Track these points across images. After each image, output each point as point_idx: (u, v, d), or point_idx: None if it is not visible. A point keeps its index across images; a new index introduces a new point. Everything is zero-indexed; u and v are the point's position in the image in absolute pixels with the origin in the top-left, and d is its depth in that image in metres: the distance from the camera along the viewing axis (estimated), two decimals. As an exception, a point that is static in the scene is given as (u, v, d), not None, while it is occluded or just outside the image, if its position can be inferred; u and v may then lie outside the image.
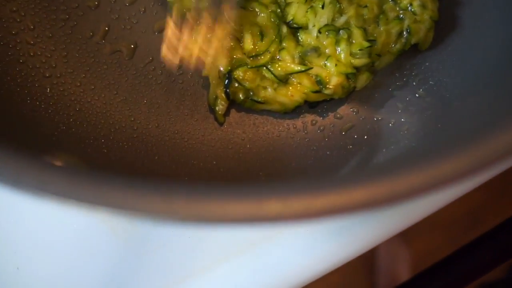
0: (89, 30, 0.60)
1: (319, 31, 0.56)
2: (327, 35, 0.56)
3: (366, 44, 0.55)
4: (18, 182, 0.33)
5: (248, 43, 0.56)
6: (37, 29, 0.60)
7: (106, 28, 0.60)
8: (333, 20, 0.56)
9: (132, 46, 0.60)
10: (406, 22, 0.58)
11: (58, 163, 0.40)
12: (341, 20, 0.56)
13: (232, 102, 0.57)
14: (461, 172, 0.35)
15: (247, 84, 0.55)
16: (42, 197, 0.34)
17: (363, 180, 0.34)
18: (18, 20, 0.60)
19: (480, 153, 0.37)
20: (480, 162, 0.36)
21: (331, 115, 0.57)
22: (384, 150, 0.53)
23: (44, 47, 0.59)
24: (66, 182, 0.32)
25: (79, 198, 0.31)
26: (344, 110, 0.57)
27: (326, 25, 0.56)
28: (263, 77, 0.55)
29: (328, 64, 0.55)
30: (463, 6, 0.61)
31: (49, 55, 0.59)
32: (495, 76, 0.52)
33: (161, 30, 0.60)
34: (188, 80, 0.58)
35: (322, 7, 0.56)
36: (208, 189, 0.34)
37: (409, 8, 0.58)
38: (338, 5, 0.55)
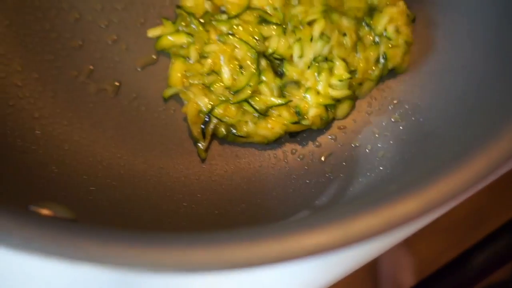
0: (74, 69, 0.62)
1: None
2: (310, 66, 0.57)
3: (347, 75, 0.56)
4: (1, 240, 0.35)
5: (228, 77, 0.58)
6: (25, 71, 0.62)
7: (91, 67, 0.62)
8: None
9: (117, 83, 0.62)
10: (382, 48, 0.60)
11: (45, 212, 0.43)
12: (325, 51, 0.57)
13: (214, 135, 0.59)
14: (424, 208, 0.37)
15: (228, 120, 0.57)
16: (28, 253, 0.36)
17: (335, 219, 0.36)
18: (6, 63, 0.62)
19: (450, 183, 0.38)
20: (450, 191, 0.38)
21: (310, 143, 0.59)
22: (360, 178, 0.54)
23: (32, 88, 0.62)
24: (50, 238, 0.34)
25: (63, 255, 0.33)
26: (323, 138, 0.59)
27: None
28: (244, 112, 0.57)
29: (308, 96, 0.57)
30: (436, 28, 0.62)
31: (37, 96, 0.61)
32: (467, 101, 0.53)
33: (144, 67, 0.62)
34: (172, 115, 0.60)
35: (311, 40, 0.57)
36: (198, 238, 0.36)
37: (384, 33, 0.60)
38: (326, 37, 0.57)
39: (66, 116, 0.61)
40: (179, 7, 0.62)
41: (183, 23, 0.61)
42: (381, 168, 0.54)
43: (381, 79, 0.61)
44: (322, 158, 0.58)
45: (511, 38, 0.56)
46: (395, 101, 0.60)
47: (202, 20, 0.60)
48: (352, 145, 0.58)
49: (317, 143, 0.59)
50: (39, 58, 0.63)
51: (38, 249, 0.35)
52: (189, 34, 0.60)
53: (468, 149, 0.40)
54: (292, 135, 0.59)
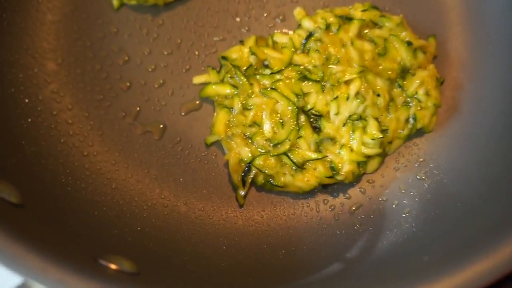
0: (121, 110, 0.66)
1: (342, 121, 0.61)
2: (345, 123, 0.62)
3: (379, 134, 0.61)
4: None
5: (269, 130, 0.62)
6: (75, 109, 0.66)
7: (138, 109, 0.66)
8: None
9: (161, 126, 0.66)
10: (413, 109, 0.64)
11: (113, 266, 0.47)
12: (359, 110, 0.62)
13: (253, 182, 0.63)
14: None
15: (267, 171, 0.61)
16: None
17: None
18: (58, 100, 0.66)
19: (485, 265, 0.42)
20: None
21: (341, 194, 0.63)
22: (387, 232, 0.59)
23: (82, 126, 0.66)
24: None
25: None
26: (353, 190, 0.63)
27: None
28: (283, 164, 0.61)
29: (342, 152, 0.61)
30: (463, 91, 0.67)
31: (86, 134, 0.65)
32: (491, 170, 0.58)
33: (188, 112, 0.66)
34: (213, 160, 0.65)
35: (347, 99, 0.61)
36: None
37: (415, 96, 0.64)
38: (361, 97, 0.61)
39: (113, 155, 0.65)
40: (224, 57, 0.66)
41: (227, 74, 0.65)
42: (407, 225, 0.59)
43: (408, 137, 0.65)
44: (352, 209, 0.62)
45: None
46: (421, 159, 0.64)
47: (246, 73, 0.64)
48: (380, 199, 0.63)
49: (347, 195, 0.63)
50: (89, 97, 0.67)
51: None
52: (233, 85, 0.64)
53: (499, 226, 0.44)
54: (324, 186, 0.63)
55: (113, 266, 0.46)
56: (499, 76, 0.65)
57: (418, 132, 0.65)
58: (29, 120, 0.64)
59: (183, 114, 0.66)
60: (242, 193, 0.62)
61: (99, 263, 0.46)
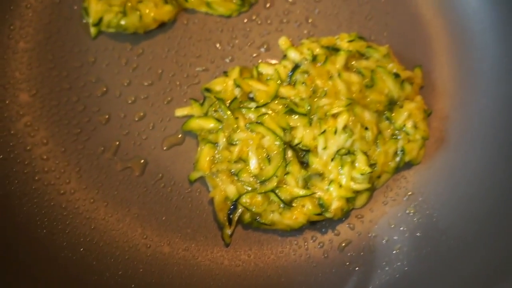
0: (100, 145, 0.63)
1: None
2: (334, 158, 0.60)
3: (368, 169, 0.59)
4: None
5: (256, 167, 0.60)
6: (50, 143, 0.63)
7: (117, 143, 0.63)
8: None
9: (142, 161, 0.63)
10: (401, 143, 0.63)
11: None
12: (347, 144, 0.60)
13: (239, 220, 0.61)
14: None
15: (254, 209, 0.59)
16: None
17: None
18: (32, 134, 0.63)
19: None
20: None
21: (329, 231, 0.62)
22: (379, 270, 0.58)
23: (58, 162, 0.62)
24: None
25: None
26: (342, 226, 0.62)
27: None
28: (270, 202, 0.59)
29: (331, 188, 0.60)
30: (450, 121, 0.66)
31: (62, 171, 0.62)
32: (482, 205, 0.57)
33: (170, 147, 0.64)
34: (197, 197, 0.62)
35: (335, 132, 0.60)
36: None
37: (403, 128, 0.63)
38: (349, 131, 0.60)
39: (92, 192, 0.61)
40: (207, 89, 0.64)
41: (211, 108, 0.62)
42: (398, 263, 0.58)
43: (396, 170, 0.64)
44: (342, 245, 0.61)
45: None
46: (409, 193, 0.63)
47: (230, 106, 0.62)
48: (369, 235, 0.61)
49: (336, 231, 0.62)
50: (65, 130, 0.63)
51: None
52: (217, 119, 0.62)
53: (497, 269, 0.43)
54: (312, 223, 0.61)
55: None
56: (484, 106, 0.65)
57: (406, 165, 0.64)
58: (0, 156, 0.61)
59: (165, 148, 0.64)
60: (228, 232, 0.60)
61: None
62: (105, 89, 0.65)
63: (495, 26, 0.67)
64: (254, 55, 0.67)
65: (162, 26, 0.68)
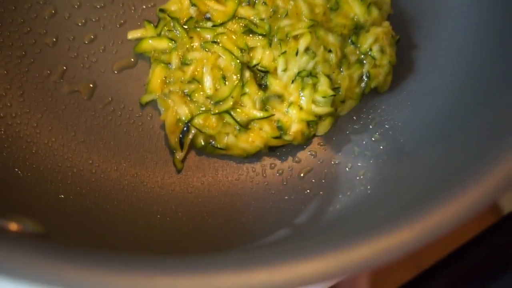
0: (46, 68, 0.59)
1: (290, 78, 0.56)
2: (294, 80, 0.56)
3: (330, 92, 0.56)
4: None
5: (210, 86, 0.56)
6: (-9, 66, 0.59)
7: (64, 67, 0.59)
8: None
9: (91, 85, 0.59)
10: (366, 67, 0.59)
11: (14, 227, 0.40)
12: (309, 66, 0.57)
13: (192, 145, 0.57)
14: (421, 237, 0.36)
15: (208, 131, 0.55)
16: None
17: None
18: (-29, 56, 0.59)
19: (447, 211, 0.37)
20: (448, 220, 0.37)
21: (290, 158, 0.58)
22: (340, 196, 0.54)
23: (-1, 85, 0.58)
24: (17, 259, 0.31)
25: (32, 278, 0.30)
26: (303, 153, 0.58)
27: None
28: (225, 123, 0.56)
29: (291, 111, 0.56)
30: (418, 50, 0.63)
31: (3, 94, 0.58)
32: (447, 126, 0.54)
33: (121, 70, 0.60)
34: (148, 122, 0.58)
35: (296, 54, 0.56)
36: (183, 263, 0.34)
37: (369, 52, 0.60)
38: (311, 53, 0.56)
39: (35, 117, 0.57)
40: (162, 10, 0.60)
41: (165, 28, 0.59)
42: (361, 188, 0.54)
43: (362, 97, 0.61)
44: (302, 174, 0.57)
45: (488, 65, 0.57)
46: (375, 120, 0.60)
47: (185, 26, 0.58)
48: (332, 162, 0.58)
49: (296, 159, 0.58)
50: (8, 52, 0.59)
51: (4, 272, 0.32)
52: (171, 39, 0.58)
53: (456, 177, 0.40)
54: (271, 149, 0.58)
55: (13, 226, 0.38)
56: (454, 35, 0.61)
57: (373, 94, 0.61)
58: None
59: (115, 72, 0.60)
60: (180, 156, 0.56)
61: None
62: (53, 11, 0.61)
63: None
64: (213, -22, 0.64)
65: None
